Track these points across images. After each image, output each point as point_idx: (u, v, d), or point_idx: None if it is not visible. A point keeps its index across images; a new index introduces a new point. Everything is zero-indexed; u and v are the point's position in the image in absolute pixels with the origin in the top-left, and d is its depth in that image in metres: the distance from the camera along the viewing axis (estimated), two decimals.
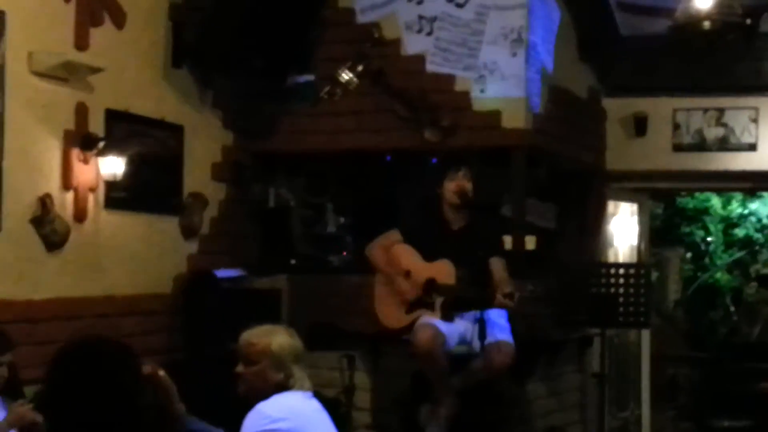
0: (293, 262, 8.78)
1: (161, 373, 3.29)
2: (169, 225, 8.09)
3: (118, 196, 7.49)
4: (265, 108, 8.82)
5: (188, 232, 8.24)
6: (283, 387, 4.45)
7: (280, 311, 8.19)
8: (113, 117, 7.46)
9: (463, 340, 7.31)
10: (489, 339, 6.97)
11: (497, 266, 7.26)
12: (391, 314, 7.53)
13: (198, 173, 8.37)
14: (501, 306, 6.98)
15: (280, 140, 8.83)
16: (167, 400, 3.27)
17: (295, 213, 9.18)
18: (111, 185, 7.40)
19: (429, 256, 7.41)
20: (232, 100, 8.68)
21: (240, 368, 4.49)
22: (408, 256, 7.50)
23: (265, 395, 4.43)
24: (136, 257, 7.70)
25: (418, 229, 7.62)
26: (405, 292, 7.44)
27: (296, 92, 8.76)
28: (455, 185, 7.47)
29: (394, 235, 7.61)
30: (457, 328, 7.31)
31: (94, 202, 7.29)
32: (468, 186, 7.47)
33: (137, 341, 6.98)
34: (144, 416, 3.08)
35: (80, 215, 7.17)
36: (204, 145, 8.44)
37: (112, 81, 7.42)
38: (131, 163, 7.47)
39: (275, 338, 4.53)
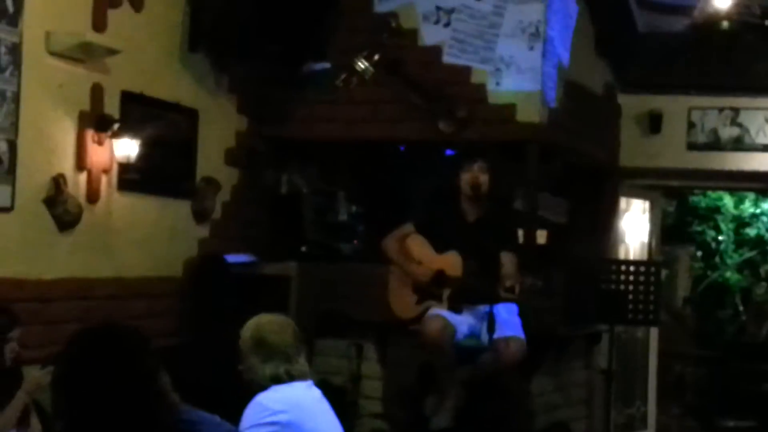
0: (304, 249, 8.78)
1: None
2: (181, 208, 8.10)
3: (131, 178, 7.49)
4: (280, 94, 8.81)
5: (200, 216, 8.25)
6: (281, 378, 4.46)
7: (289, 298, 8.19)
8: (129, 99, 7.46)
9: (472, 334, 7.33)
10: (498, 334, 6.98)
11: (506, 260, 7.27)
12: (402, 304, 7.54)
13: (211, 158, 8.38)
14: (503, 299, 6.99)
15: (294, 127, 8.83)
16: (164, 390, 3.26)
17: (306, 200, 9.17)
18: (124, 167, 7.41)
19: (441, 247, 7.42)
20: (247, 85, 8.68)
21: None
22: (420, 248, 7.52)
23: (260, 387, 4.46)
24: (148, 240, 7.71)
25: (432, 220, 7.63)
26: (416, 283, 7.44)
27: (312, 79, 8.75)
28: (471, 177, 7.47)
29: (408, 227, 7.63)
30: (466, 321, 7.33)
31: (107, 184, 7.29)
32: (484, 178, 7.48)
33: (145, 323, 7.01)
34: (156, 404, 3.08)
35: (93, 196, 7.17)
36: (218, 130, 8.44)
37: (128, 63, 7.42)
38: (145, 146, 7.47)
39: (245, 332, 4.56)
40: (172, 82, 7.96)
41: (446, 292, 7.32)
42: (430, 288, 7.38)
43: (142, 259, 7.68)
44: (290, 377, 4.47)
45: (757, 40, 9.46)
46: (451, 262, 7.34)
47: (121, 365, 3.00)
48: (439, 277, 7.35)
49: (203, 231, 8.30)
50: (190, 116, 8.16)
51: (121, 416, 2.96)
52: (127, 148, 7.34)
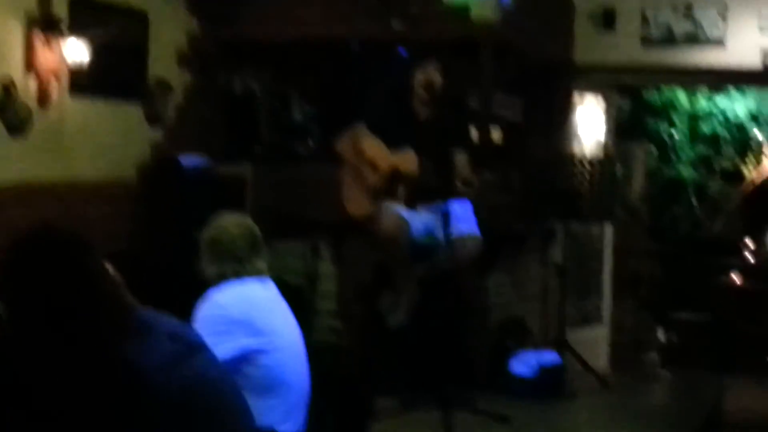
0: (258, 150, 8.76)
1: (108, 266, 3.28)
2: (133, 112, 8.05)
3: (82, 82, 7.44)
4: None
5: (153, 119, 8.21)
6: (228, 278, 4.49)
7: (244, 199, 8.19)
8: (77, 3, 7.37)
9: (428, 231, 7.36)
10: (454, 231, 7.01)
11: (460, 158, 7.30)
12: (356, 203, 7.56)
13: (163, 60, 8.31)
14: (460, 194, 7.01)
15: (246, 28, 8.75)
16: (116, 293, 3.27)
17: (260, 101, 9.13)
18: (75, 71, 7.34)
19: (395, 146, 7.43)
20: None
21: None
22: (374, 147, 7.51)
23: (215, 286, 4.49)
24: (100, 144, 7.67)
25: (385, 119, 7.61)
26: (371, 181, 7.47)
27: None
28: (424, 77, 7.46)
29: (361, 127, 7.62)
30: (422, 219, 7.36)
31: (58, 88, 7.23)
32: (437, 78, 7.47)
33: (99, 227, 7.02)
34: (104, 304, 3.09)
35: (44, 100, 7.12)
36: (169, 32, 8.37)
37: None
38: (96, 50, 7.40)
39: (205, 231, 4.59)
40: None
41: (401, 190, 7.34)
42: (386, 186, 7.39)
43: (95, 163, 7.65)
44: (237, 275, 4.49)
45: None
46: (407, 160, 7.36)
47: (62, 266, 3.01)
48: (394, 175, 7.37)
49: (156, 134, 8.27)
50: (140, 19, 8.08)
51: (65, 318, 2.97)
52: (77, 51, 7.27)
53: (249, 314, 4.40)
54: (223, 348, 4.12)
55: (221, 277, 4.50)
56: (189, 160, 8.14)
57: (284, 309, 4.63)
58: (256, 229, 4.65)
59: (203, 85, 8.70)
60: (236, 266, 4.50)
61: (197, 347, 3.53)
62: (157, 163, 8.10)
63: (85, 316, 3.05)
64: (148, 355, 3.26)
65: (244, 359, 4.33)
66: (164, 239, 7.67)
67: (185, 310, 4.33)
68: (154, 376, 3.20)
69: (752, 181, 14.20)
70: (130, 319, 3.26)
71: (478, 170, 7.33)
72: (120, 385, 3.11)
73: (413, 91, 7.52)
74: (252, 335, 4.36)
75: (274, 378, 4.42)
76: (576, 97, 10.50)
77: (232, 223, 4.64)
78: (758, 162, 14.40)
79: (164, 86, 8.28)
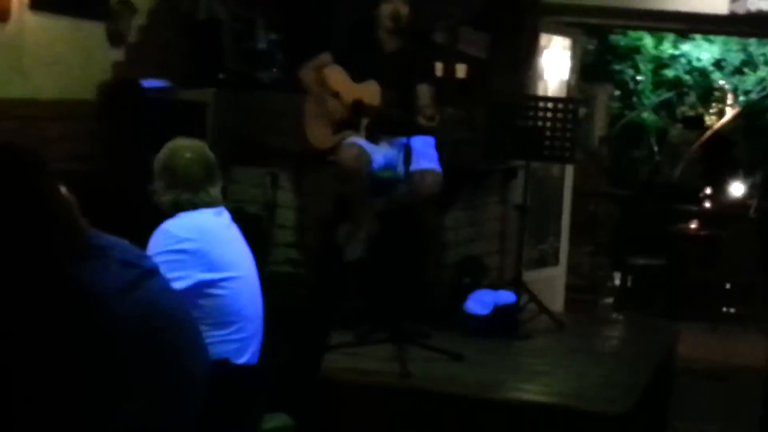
0: (221, 76, 8.66)
1: (62, 188, 3.23)
2: (95, 30, 7.92)
3: None
4: None
5: (115, 38, 8.08)
6: (182, 206, 4.44)
7: (205, 125, 8.10)
8: None
9: (389, 165, 7.34)
10: (415, 166, 6.97)
11: (423, 91, 7.26)
12: (318, 134, 7.52)
13: None
14: (423, 129, 6.96)
15: None
16: (69, 214, 3.22)
17: (225, 27, 9.02)
18: None
19: (359, 78, 7.37)
20: None
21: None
22: (337, 78, 7.46)
23: (169, 214, 4.43)
24: (61, 61, 7.55)
25: (350, 50, 7.56)
26: (333, 111, 7.42)
27: None
28: (392, 8, 7.40)
29: (326, 57, 7.56)
30: (383, 151, 7.34)
31: (18, 3, 7.09)
32: (404, 10, 7.41)
33: (60, 146, 6.93)
34: (55, 224, 3.04)
35: (3, 15, 6.97)
36: None
37: None
38: None
39: (160, 154, 4.52)
40: None
41: (364, 122, 7.30)
42: (348, 117, 7.34)
43: (56, 80, 7.53)
44: (193, 206, 4.44)
45: None
46: (370, 92, 7.30)
47: (12, 184, 2.96)
48: (357, 106, 7.32)
49: (118, 54, 8.14)
50: None
51: (14, 237, 2.92)
52: None
53: (203, 246, 4.35)
54: (177, 280, 4.09)
55: (175, 206, 4.45)
56: (150, 82, 8.04)
57: (239, 239, 4.59)
58: (212, 155, 4.59)
59: (168, 8, 8.57)
60: (190, 195, 4.45)
61: (151, 273, 3.49)
62: (118, 84, 7.99)
63: (35, 236, 3.01)
64: (101, 278, 3.22)
65: (198, 291, 4.29)
66: (123, 161, 7.58)
67: (142, 234, 4.28)
68: (108, 300, 3.16)
69: (712, 128, 14.27)
70: (81, 242, 3.21)
71: (442, 105, 7.29)
72: (72, 305, 3.06)
73: (379, 21, 7.46)
74: (207, 268, 4.32)
75: (229, 309, 4.39)
76: (543, 37, 10.45)
77: (186, 148, 4.57)
78: (720, 109, 14.46)
79: (128, 6, 8.15)
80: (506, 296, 7.87)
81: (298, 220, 8.24)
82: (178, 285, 4.03)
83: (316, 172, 7.93)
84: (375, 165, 7.26)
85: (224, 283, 4.36)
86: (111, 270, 3.27)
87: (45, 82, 7.42)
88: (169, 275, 3.87)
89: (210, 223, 4.46)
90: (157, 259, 3.86)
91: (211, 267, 4.34)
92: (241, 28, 9.14)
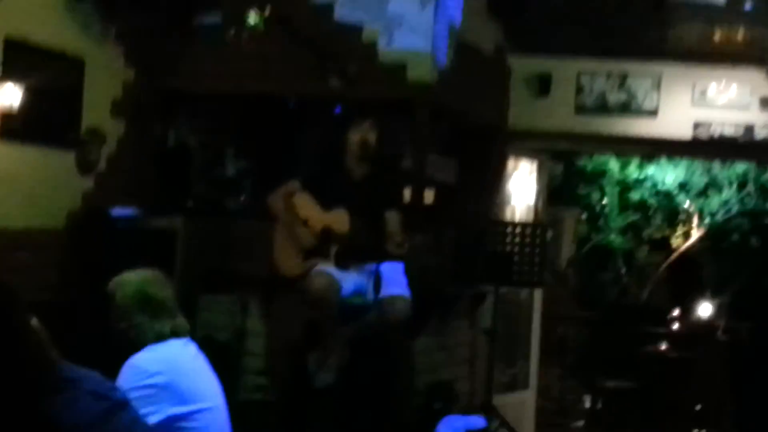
0: (190, 204, 8.70)
1: (33, 320, 3.22)
2: (65, 159, 7.96)
3: (13, 127, 7.34)
4: (169, 46, 8.69)
5: (84, 167, 8.12)
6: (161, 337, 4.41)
7: (174, 253, 8.11)
8: (12, 47, 7.30)
9: (358, 292, 7.33)
10: (384, 292, 6.98)
11: (392, 218, 7.29)
12: (288, 261, 7.51)
13: (97, 108, 8.24)
14: (392, 256, 6.98)
15: (183, 80, 8.73)
16: (40, 348, 3.21)
17: (194, 154, 9.08)
18: (7, 116, 7.25)
19: (327, 205, 7.40)
20: (135, 35, 8.54)
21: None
22: (306, 205, 7.49)
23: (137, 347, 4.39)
24: (30, 190, 7.57)
25: (319, 177, 7.59)
26: (303, 239, 7.43)
27: (202, 32, 8.64)
28: (360, 136, 7.45)
29: (294, 184, 7.60)
30: (352, 278, 7.33)
31: None
32: (372, 138, 7.47)
33: (28, 276, 6.91)
34: (26, 359, 3.03)
35: None
36: (104, 80, 8.31)
37: (12, 9, 7.25)
38: (29, 95, 7.33)
39: (125, 288, 4.49)
40: (58, 30, 7.80)
41: (333, 249, 7.31)
42: (317, 245, 7.36)
43: (24, 210, 7.55)
44: (175, 334, 4.41)
45: (646, 6, 9.56)
46: (339, 219, 7.32)
47: None
48: (326, 234, 7.33)
49: (88, 183, 8.18)
50: (75, 65, 8.01)
51: None
52: (9, 96, 7.19)
53: (174, 378, 4.30)
54: (149, 415, 4.05)
55: (159, 337, 4.40)
56: (120, 210, 8.06)
57: (207, 370, 4.55)
58: (168, 286, 4.55)
59: (137, 136, 8.63)
60: (173, 323, 4.42)
61: (121, 405, 3.47)
62: (87, 212, 8.01)
63: (6, 371, 2.99)
64: (71, 411, 3.19)
65: (170, 425, 4.24)
66: (92, 291, 7.54)
67: (112, 365, 4.25)
68: None
69: (679, 250, 14.36)
70: (52, 375, 3.19)
71: (410, 231, 7.32)
72: None
73: (348, 149, 7.51)
74: (177, 401, 4.27)
75: None
76: (509, 161, 10.56)
77: (158, 278, 4.55)
78: (686, 231, 14.56)
79: (97, 135, 8.21)
80: (477, 421, 7.84)
81: (268, 347, 8.21)
82: (150, 420, 3.99)
83: (286, 299, 7.93)
84: (344, 292, 7.25)
85: (195, 416, 4.31)
86: (82, 402, 3.24)
87: (13, 211, 7.43)
88: (141, 411, 3.83)
89: (178, 354, 4.42)
90: (128, 395, 3.82)
91: (182, 400, 4.29)
92: (210, 155, 9.21)
